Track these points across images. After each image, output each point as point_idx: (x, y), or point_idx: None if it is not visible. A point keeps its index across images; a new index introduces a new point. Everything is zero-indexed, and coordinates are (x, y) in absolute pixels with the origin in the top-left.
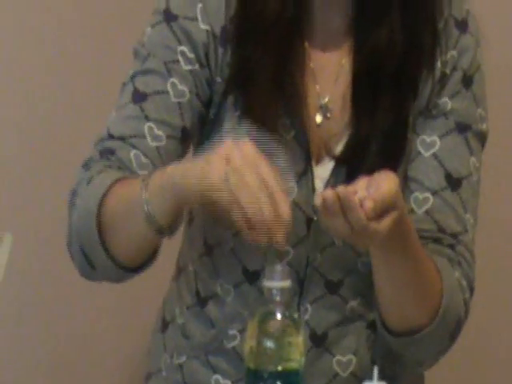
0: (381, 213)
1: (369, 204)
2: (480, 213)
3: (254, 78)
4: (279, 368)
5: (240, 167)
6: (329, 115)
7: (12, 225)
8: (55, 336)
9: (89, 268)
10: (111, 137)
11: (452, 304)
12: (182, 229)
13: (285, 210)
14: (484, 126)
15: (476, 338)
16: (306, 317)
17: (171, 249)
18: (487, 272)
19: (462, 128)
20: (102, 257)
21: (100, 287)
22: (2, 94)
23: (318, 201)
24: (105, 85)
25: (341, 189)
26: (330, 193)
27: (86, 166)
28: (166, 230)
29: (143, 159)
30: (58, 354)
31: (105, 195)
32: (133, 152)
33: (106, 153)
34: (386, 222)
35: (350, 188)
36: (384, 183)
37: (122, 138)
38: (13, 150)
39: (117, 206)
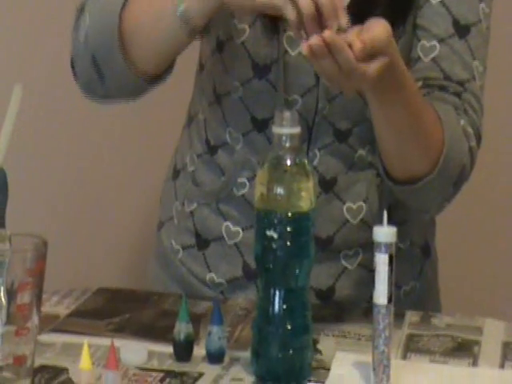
0: (370, 56)
1: (358, 44)
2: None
3: None
4: (289, 213)
5: None
6: None
7: (22, 76)
8: (68, 180)
9: (98, 81)
10: None
11: (454, 152)
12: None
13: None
14: None
15: None
16: (315, 163)
17: (184, 97)
18: None
19: None
20: (119, 63)
21: (112, 131)
22: None
23: (304, 49)
24: None
25: (326, 33)
26: (315, 38)
27: None
28: (198, 31)
29: None
30: (69, 201)
31: (126, 1)
32: None
33: None
34: (375, 65)
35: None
36: (375, 28)
37: None
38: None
39: (141, 11)
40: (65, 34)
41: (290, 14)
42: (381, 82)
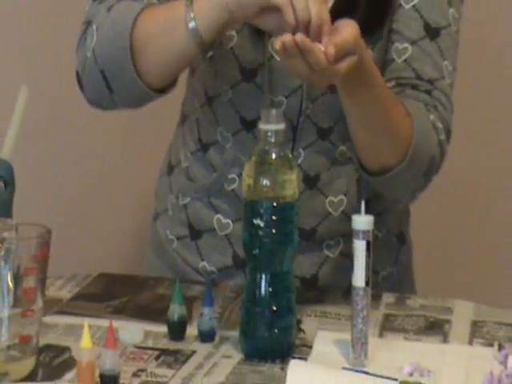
0: (341, 56)
1: (331, 50)
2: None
3: None
4: (274, 203)
5: None
6: None
7: (27, 77)
8: (70, 174)
9: (107, 94)
10: None
11: (423, 144)
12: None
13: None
14: None
15: None
16: (299, 161)
17: (178, 98)
18: None
19: None
20: (130, 76)
21: (112, 129)
22: None
23: (277, 45)
24: None
25: (297, 35)
26: (288, 37)
27: None
28: (207, 46)
29: None
30: (72, 194)
31: (138, 15)
32: None
33: None
34: (345, 64)
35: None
36: (344, 29)
37: None
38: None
39: (153, 25)
40: (71, 34)
41: (289, 16)
42: (350, 78)
